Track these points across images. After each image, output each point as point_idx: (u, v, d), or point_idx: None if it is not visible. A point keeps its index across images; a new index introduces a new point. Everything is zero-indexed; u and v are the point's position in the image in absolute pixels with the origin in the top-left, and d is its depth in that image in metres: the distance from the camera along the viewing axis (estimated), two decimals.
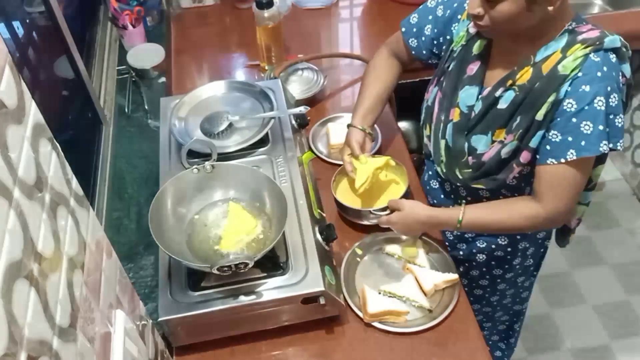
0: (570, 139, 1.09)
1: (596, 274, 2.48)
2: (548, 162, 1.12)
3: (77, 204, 0.79)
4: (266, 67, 1.86)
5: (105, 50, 1.93)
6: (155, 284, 1.27)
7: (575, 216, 1.39)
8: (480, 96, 1.21)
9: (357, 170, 1.36)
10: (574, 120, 1.08)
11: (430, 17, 1.32)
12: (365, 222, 1.41)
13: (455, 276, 1.29)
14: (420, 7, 1.36)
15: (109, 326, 0.84)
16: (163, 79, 1.88)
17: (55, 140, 0.75)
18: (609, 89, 1.06)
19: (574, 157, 1.09)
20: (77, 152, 1.46)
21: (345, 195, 1.44)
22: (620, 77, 1.09)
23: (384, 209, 1.32)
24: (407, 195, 1.39)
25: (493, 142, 1.21)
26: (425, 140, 1.39)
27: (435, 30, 1.31)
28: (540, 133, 1.12)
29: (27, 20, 1.44)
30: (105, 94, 1.77)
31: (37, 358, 0.58)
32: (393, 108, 1.83)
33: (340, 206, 1.41)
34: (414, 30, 1.35)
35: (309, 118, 1.54)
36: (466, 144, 1.24)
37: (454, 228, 1.26)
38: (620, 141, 1.10)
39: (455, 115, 1.25)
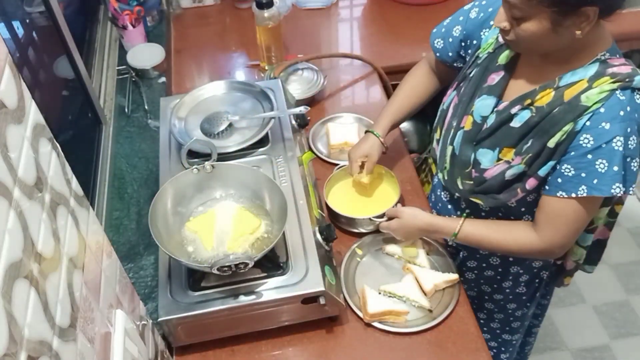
0: (583, 175, 1.06)
1: (596, 274, 2.44)
2: (558, 194, 1.10)
3: (77, 204, 0.79)
4: (266, 67, 1.86)
5: (105, 50, 1.93)
6: (155, 284, 1.27)
7: (572, 258, 1.37)
8: (495, 109, 1.17)
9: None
10: (589, 156, 1.05)
11: (461, 19, 1.28)
12: (357, 230, 1.42)
13: (455, 276, 1.29)
14: (456, 11, 1.32)
15: (109, 326, 0.84)
16: (163, 79, 1.88)
17: (55, 140, 0.75)
18: (628, 130, 1.03)
19: (584, 194, 1.07)
20: (77, 152, 1.46)
21: (337, 201, 1.44)
22: None
23: (380, 216, 1.35)
24: (400, 201, 1.41)
25: (499, 159, 1.17)
26: (434, 143, 1.35)
27: (465, 32, 1.27)
28: (551, 163, 1.09)
29: (27, 20, 1.44)
30: (105, 94, 1.77)
31: (37, 358, 0.58)
32: None
33: (332, 213, 1.42)
34: (443, 31, 1.33)
35: (309, 118, 1.54)
36: (472, 155, 1.21)
37: (449, 238, 1.28)
38: (633, 185, 1.07)
39: (467, 123, 1.22)
